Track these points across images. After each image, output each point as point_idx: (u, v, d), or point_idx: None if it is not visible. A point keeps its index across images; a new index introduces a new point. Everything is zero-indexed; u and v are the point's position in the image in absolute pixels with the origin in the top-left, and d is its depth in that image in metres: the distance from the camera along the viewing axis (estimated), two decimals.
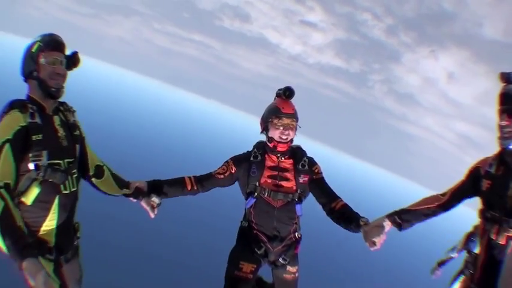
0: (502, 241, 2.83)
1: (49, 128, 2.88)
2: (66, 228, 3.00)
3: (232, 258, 3.85)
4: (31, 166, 2.70)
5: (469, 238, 5.55)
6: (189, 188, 3.73)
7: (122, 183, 3.51)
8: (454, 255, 5.60)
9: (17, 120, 2.71)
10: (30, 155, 2.70)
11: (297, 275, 3.90)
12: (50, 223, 2.86)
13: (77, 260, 3.19)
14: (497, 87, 2.98)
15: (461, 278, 4.98)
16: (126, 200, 3.61)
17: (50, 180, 2.80)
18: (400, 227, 3.29)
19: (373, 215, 3.44)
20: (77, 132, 3.12)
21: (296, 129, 3.77)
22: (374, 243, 3.25)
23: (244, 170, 3.77)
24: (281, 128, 3.68)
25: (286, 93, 3.71)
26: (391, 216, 3.29)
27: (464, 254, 5.68)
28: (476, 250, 3.33)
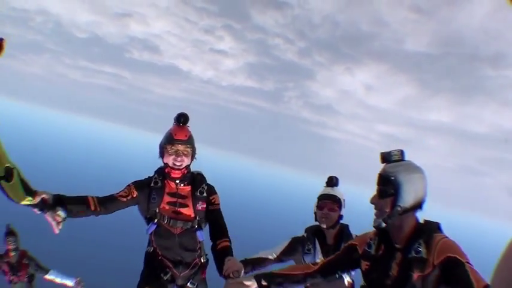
0: None
1: None
2: None
3: (139, 282, 3.83)
4: None
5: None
6: (92, 208, 3.52)
7: (28, 191, 3.24)
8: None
9: None
10: None
11: None
12: None
13: None
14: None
15: None
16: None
17: None
18: None
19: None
20: None
21: (192, 155, 3.77)
22: None
23: (144, 195, 3.73)
24: (174, 154, 3.66)
25: (181, 120, 3.70)
26: (258, 277, 3.12)
27: None
28: None
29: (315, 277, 3.13)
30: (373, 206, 2.76)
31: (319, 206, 3.97)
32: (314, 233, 4.05)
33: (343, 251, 3.09)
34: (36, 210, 3.32)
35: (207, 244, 3.83)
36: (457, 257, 2.46)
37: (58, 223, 3.30)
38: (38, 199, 3.26)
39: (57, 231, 3.31)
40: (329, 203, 3.94)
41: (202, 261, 3.89)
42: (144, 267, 3.90)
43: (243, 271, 3.43)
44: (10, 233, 7.08)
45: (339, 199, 3.98)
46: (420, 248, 2.58)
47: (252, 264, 3.78)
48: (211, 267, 3.84)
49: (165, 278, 3.75)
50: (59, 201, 3.36)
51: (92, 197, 3.56)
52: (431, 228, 2.66)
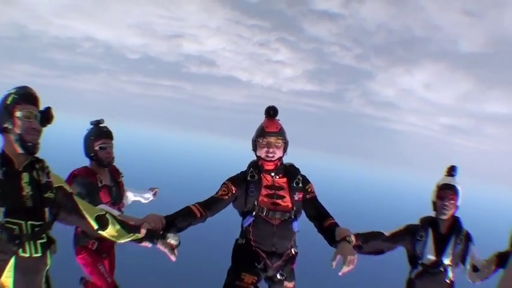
0: None
1: (13, 185, 2.68)
2: None
3: (232, 270, 3.86)
4: None
5: None
6: (198, 215, 3.55)
7: (130, 228, 3.17)
8: None
9: None
10: None
11: None
12: (6, 280, 2.66)
13: None
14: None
15: None
16: None
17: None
18: None
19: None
20: (49, 195, 2.82)
21: (284, 147, 3.83)
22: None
23: (242, 190, 3.77)
24: (266, 146, 3.75)
25: (270, 112, 3.80)
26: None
27: None
28: None
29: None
30: None
31: (440, 196, 4.00)
32: (429, 222, 4.09)
33: None
34: (146, 244, 3.25)
35: (299, 236, 3.93)
36: None
37: (172, 250, 3.26)
38: (143, 232, 3.19)
39: (173, 259, 3.25)
40: (450, 193, 3.97)
41: (293, 252, 3.93)
42: (236, 258, 3.93)
43: (353, 238, 3.56)
44: (106, 132, 4.75)
45: (458, 190, 4.01)
46: None
47: (363, 237, 3.85)
48: (300, 259, 3.98)
49: (259, 266, 3.79)
50: (166, 225, 3.35)
51: (194, 205, 3.61)
52: None
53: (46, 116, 2.81)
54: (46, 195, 2.79)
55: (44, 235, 2.77)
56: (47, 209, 2.78)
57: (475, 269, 3.88)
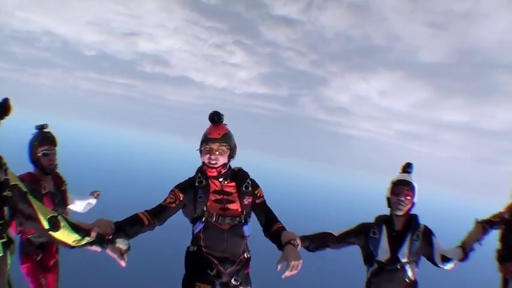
0: None
1: None
2: None
3: (186, 279, 3.78)
4: None
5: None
6: (146, 223, 3.47)
7: (80, 231, 3.02)
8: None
9: None
10: None
11: None
12: None
13: None
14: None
15: None
16: None
17: None
18: None
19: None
20: (7, 193, 2.68)
21: (228, 153, 3.75)
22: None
23: (190, 196, 3.71)
24: (208, 153, 3.67)
25: (214, 118, 3.71)
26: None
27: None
28: None
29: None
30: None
31: (395, 192, 3.98)
32: (383, 219, 4.09)
33: None
34: (96, 248, 3.13)
35: (251, 240, 3.88)
36: None
37: (122, 255, 3.12)
38: (93, 235, 3.06)
39: (123, 264, 3.12)
40: (405, 189, 3.96)
41: (246, 256, 3.86)
42: (188, 266, 3.83)
43: (299, 241, 3.61)
44: (50, 138, 4.71)
45: (414, 186, 4.00)
46: None
47: (310, 239, 3.90)
48: (253, 262, 3.92)
49: (212, 273, 3.70)
50: (116, 231, 3.25)
51: (143, 213, 3.53)
52: None
53: (3, 108, 2.64)
54: (4, 193, 2.66)
55: (4, 235, 2.67)
56: (6, 208, 2.66)
57: (444, 259, 3.92)
